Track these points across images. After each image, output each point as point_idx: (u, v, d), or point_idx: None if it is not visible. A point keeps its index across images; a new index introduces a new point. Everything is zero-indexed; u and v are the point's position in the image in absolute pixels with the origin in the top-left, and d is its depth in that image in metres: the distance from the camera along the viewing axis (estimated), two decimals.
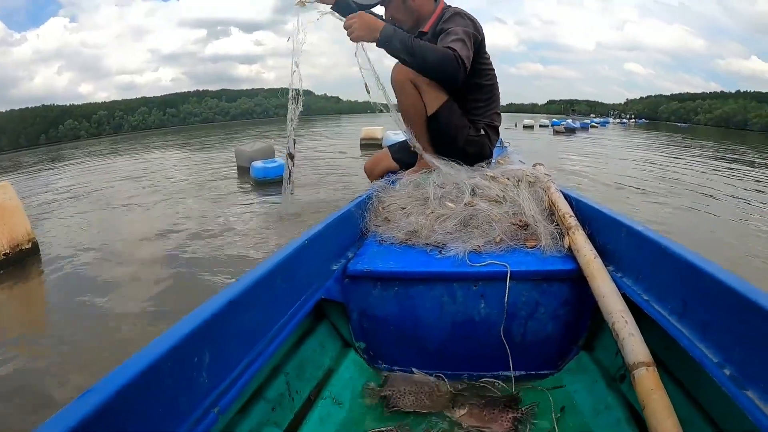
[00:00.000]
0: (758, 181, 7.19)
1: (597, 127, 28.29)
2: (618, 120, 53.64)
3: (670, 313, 0.66)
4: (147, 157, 12.57)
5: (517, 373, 0.86)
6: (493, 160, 1.63)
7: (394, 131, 9.68)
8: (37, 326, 2.36)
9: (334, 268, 0.92)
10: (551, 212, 1.06)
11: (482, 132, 1.56)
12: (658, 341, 0.68)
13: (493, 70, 1.56)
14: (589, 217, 0.97)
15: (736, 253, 3.23)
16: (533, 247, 0.95)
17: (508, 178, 1.21)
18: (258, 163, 6.00)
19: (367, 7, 1.47)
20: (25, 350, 1.99)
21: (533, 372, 0.87)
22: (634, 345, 0.63)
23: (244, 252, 3.17)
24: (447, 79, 1.39)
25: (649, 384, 0.58)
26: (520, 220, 1.02)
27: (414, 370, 0.88)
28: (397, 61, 1.53)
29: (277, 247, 3.18)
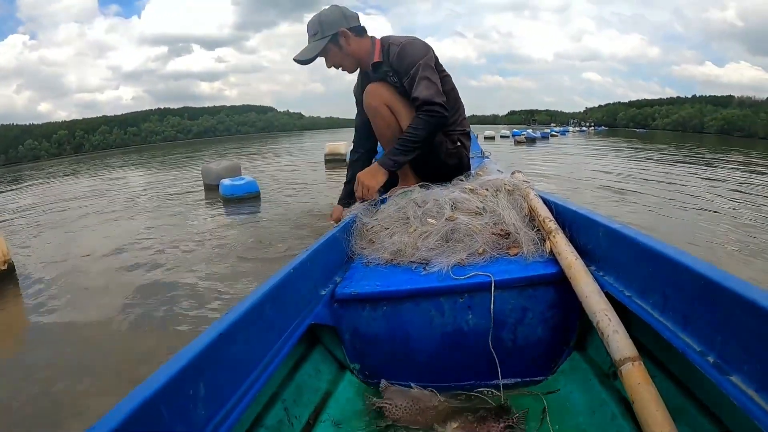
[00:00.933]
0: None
1: (557, 135, 29.13)
2: (577, 128, 55.15)
3: (652, 307, 0.68)
4: (112, 177, 12.60)
5: (509, 380, 0.86)
6: (472, 171, 1.66)
7: None
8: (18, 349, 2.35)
9: (323, 293, 0.93)
10: (532, 218, 1.08)
11: (458, 143, 1.60)
12: (647, 335, 0.69)
13: (449, 75, 1.61)
14: (568, 220, 0.99)
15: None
16: (516, 255, 0.96)
17: (486, 189, 1.24)
18: (226, 181, 6.12)
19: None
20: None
21: (528, 378, 0.88)
22: (618, 341, 0.64)
23: (222, 269, 3.20)
24: (442, 125, 1.51)
25: (636, 378, 0.59)
26: (501, 229, 1.04)
27: (412, 384, 0.87)
28: (369, 85, 1.58)
29: (255, 261, 3.29)
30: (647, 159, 12.10)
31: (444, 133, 1.56)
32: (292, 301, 0.82)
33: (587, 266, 0.83)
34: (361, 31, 1.54)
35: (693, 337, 0.58)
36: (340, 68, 1.60)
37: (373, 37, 1.58)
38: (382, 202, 1.39)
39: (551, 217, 1.01)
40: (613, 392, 0.75)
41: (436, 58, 1.54)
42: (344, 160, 10.29)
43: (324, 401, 0.85)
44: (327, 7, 1.55)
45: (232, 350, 0.62)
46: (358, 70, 1.66)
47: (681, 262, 0.60)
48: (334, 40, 1.50)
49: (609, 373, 0.78)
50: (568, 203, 1.04)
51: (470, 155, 1.75)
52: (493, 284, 0.85)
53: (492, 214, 1.10)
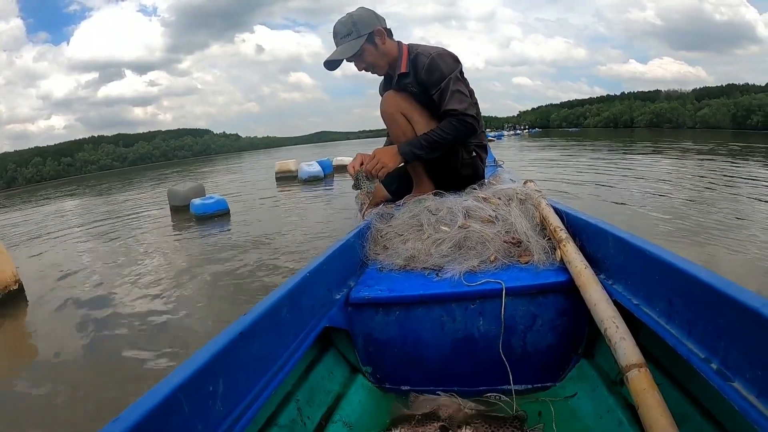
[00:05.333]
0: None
1: (493, 140, 29.19)
2: (512, 132, 54.96)
3: (658, 315, 0.69)
4: (74, 205, 12.68)
5: (520, 386, 0.88)
6: (486, 180, 1.68)
7: (307, 163, 10.67)
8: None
9: (337, 297, 0.96)
10: (543, 227, 1.10)
11: (474, 153, 1.62)
12: (654, 343, 0.71)
13: (473, 90, 1.62)
14: (578, 229, 1.01)
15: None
16: (527, 263, 0.98)
17: (499, 198, 1.26)
18: (197, 201, 6.43)
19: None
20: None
21: (537, 384, 0.89)
22: (626, 348, 0.66)
23: (220, 276, 3.48)
24: (469, 137, 1.54)
25: (641, 384, 0.60)
26: (513, 238, 1.06)
27: (434, 390, 0.89)
28: (386, 93, 1.62)
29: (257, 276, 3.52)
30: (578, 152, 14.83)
31: (461, 144, 1.58)
32: (308, 304, 0.85)
33: (597, 274, 0.84)
34: (390, 33, 1.57)
35: (697, 344, 0.60)
36: (372, 70, 1.60)
37: (399, 42, 1.59)
38: (396, 208, 1.42)
39: (562, 227, 1.02)
40: (619, 399, 0.76)
41: (462, 71, 1.55)
42: (295, 177, 10.73)
43: (336, 403, 0.87)
44: (355, 8, 1.55)
45: (250, 349, 0.65)
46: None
47: (687, 271, 0.62)
48: (371, 39, 1.50)
49: (616, 381, 0.79)
50: (578, 213, 1.05)
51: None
52: (504, 291, 0.87)
53: (504, 222, 1.12)
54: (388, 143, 1.76)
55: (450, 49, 1.53)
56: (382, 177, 1.48)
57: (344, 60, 1.53)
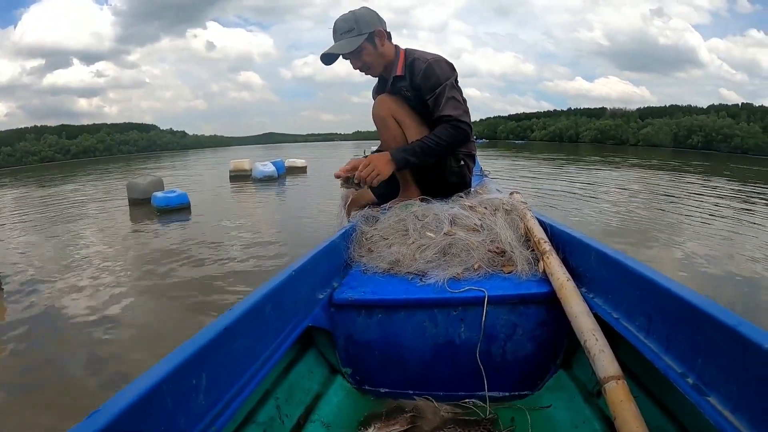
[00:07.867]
0: None
1: None
2: None
3: (637, 329, 0.71)
4: (28, 195, 12.19)
5: (496, 393, 0.88)
6: (472, 189, 1.70)
7: (261, 163, 10.91)
8: None
9: (321, 297, 0.95)
10: (527, 238, 1.11)
11: (462, 162, 1.63)
12: (631, 356, 0.72)
13: (466, 99, 1.63)
14: (562, 242, 1.02)
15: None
16: (510, 272, 0.99)
17: (485, 208, 1.27)
18: (159, 194, 6.56)
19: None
20: None
21: (515, 393, 0.90)
22: (604, 360, 0.67)
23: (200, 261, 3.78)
24: (463, 144, 1.55)
25: (618, 396, 0.61)
26: (497, 247, 1.07)
27: (412, 394, 0.90)
28: (379, 96, 1.62)
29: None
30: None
31: (451, 152, 1.59)
32: (291, 303, 0.84)
33: (578, 287, 0.86)
34: (389, 35, 1.57)
35: (675, 359, 0.61)
36: (366, 70, 1.60)
37: (397, 46, 1.60)
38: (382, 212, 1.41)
39: (546, 239, 1.04)
40: (596, 410, 0.77)
41: (457, 79, 1.55)
42: (249, 176, 10.94)
43: (315, 403, 0.87)
44: (358, 7, 1.54)
45: (233, 345, 0.64)
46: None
47: (667, 288, 0.64)
48: (371, 38, 1.50)
49: (593, 392, 0.80)
50: (563, 226, 1.07)
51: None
52: (486, 299, 0.88)
53: (489, 231, 1.13)
54: (379, 149, 1.76)
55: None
56: (375, 185, 1.46)
57: (341, 56, 1.53)
